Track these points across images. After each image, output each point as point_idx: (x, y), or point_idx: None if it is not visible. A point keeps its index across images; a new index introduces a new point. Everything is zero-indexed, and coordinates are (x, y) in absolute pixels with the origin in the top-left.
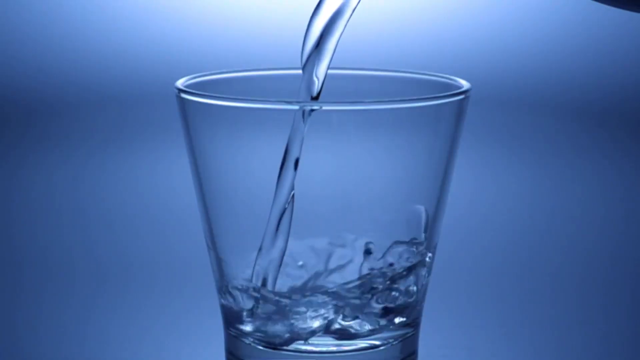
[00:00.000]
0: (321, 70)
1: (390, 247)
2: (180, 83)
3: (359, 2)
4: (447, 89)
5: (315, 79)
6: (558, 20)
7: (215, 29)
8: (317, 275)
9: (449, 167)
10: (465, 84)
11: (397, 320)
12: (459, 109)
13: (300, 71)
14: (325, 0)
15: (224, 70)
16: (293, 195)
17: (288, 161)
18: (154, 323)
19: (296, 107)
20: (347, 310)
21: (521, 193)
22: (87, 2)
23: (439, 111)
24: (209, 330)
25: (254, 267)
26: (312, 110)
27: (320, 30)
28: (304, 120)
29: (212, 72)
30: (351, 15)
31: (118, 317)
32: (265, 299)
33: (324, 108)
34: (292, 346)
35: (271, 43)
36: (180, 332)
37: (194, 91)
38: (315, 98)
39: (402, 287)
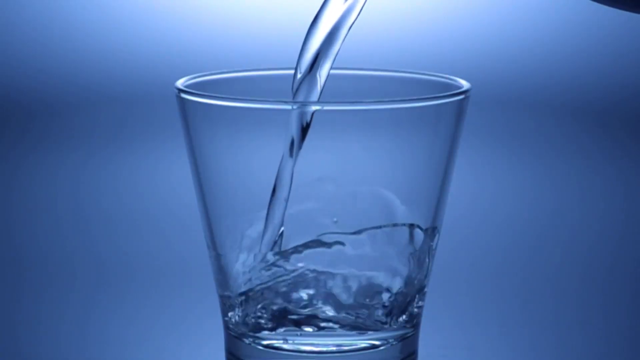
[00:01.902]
0: (313, 96)
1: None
2: (180, 83)
3: (354, 21)
4: (447, 89)
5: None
6: (558, 20)
7: (215, 29)
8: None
9: (449, 167)
10: (465, 84)
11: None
12: (459, 109)
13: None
14: (319, 23)
15: (224, 70)
16: (282, 232)
17: (278, 199)
18: (154, 323)
19: (295, 107)
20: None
21: (521, 193)
22: (87, 2)
23: (439, 111)
24: (209, 330)
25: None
26: (301, 145)
27: (313, 55)
28: (292, 156)
29: (212, 72)
30: (345, 36)
31: (118, 317)
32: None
33: (324, 108)
34: (292, 346)
35: (271, 43)
36: (180, 332)
37: (194, 91)
38: (306, 128)
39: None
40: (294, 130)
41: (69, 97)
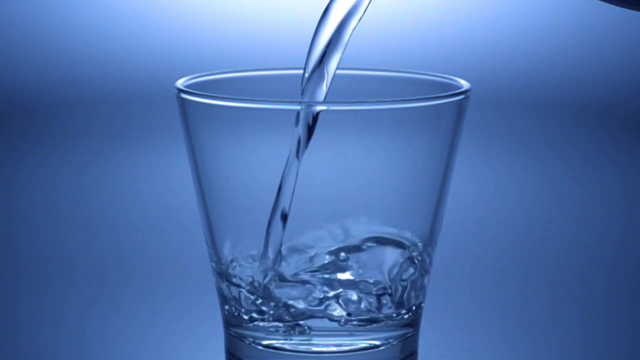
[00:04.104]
0: (320, 97)
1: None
2: (180, 83)
3: (362, 16)
4: (447, 89)
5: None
6: (558, 20)
7: (215, 29)
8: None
9: (449, 167)
10: (465, 84)
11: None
12: (459, 109)
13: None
14: (328, 18)
15: (224, 70)
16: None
17: (276, 214)
18: (154, 323)
19: (298, 107)
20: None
21: (521, 193)
22: (87, 2)
23: (439, 111)
24: (209, 330)
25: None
26: (307, 146)
27: (322, 49)
28: (298, 156)
29: (212, 72)
30: (353, 31)
31: (118, 318)
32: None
33: (329, 108)
34: (292, 346)
35: (271, 43)
36: (180, 332)
37: (194, 91)
38: (312, 127)
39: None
40: (300, 129)
41: (69, 97)
